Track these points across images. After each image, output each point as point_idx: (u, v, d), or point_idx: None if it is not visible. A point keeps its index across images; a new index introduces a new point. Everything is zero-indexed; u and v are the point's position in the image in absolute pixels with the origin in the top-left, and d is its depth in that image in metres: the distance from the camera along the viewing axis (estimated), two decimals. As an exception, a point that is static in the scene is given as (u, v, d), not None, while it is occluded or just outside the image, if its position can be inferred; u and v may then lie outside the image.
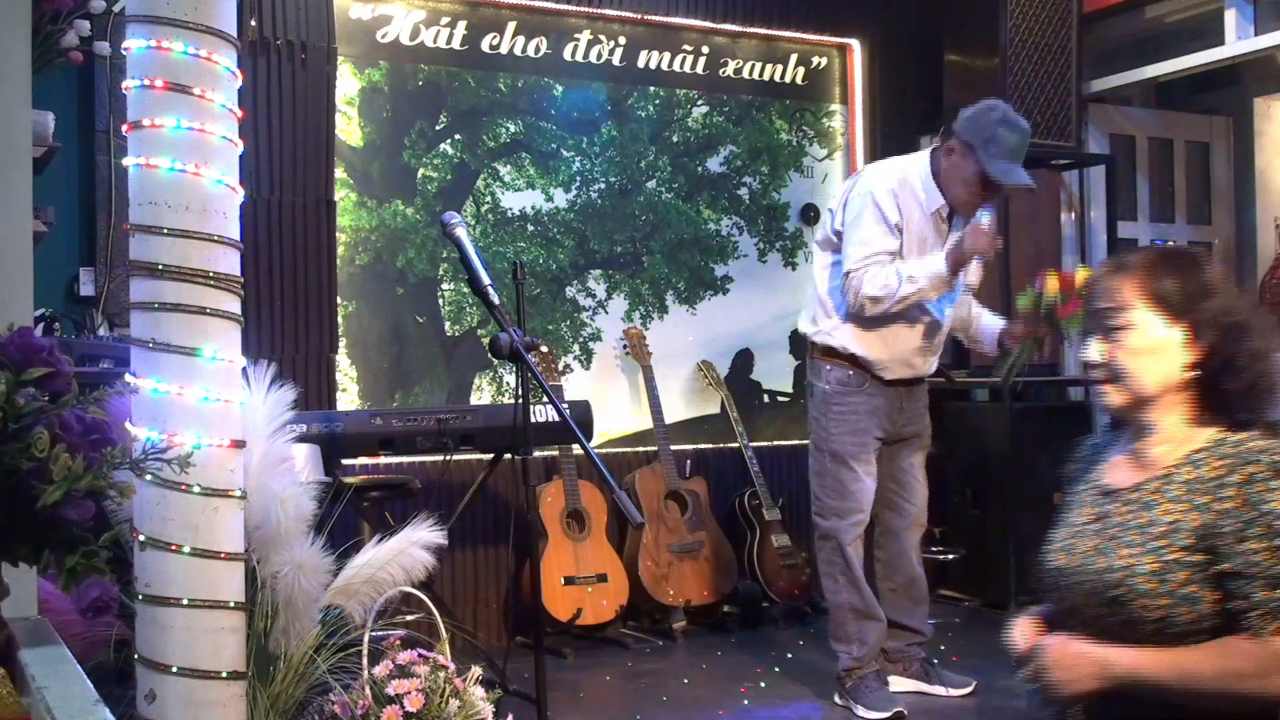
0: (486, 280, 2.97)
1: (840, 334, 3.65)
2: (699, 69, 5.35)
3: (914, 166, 3.62)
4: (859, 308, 3.53)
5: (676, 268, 5.28)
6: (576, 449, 4.54)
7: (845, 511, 3.63)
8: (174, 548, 2.00)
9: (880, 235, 3.51)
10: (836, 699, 3.65)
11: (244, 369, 2.19)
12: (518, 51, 4.97)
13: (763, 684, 3.92)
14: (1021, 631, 1.78)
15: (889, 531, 3.78)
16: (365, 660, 2.24)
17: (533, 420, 3.09)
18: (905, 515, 3.78)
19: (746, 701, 3.73)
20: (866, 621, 3.63)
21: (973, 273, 3.70)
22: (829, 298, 3.69)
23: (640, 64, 5.22)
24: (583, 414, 4.28)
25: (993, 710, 3.60)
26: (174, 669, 2.01)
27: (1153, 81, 5.63)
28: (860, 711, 3.54)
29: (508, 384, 4.87)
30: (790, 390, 5.53)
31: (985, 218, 3.50)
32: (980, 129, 3.46)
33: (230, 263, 2.11)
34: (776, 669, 4.11)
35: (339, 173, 4.61)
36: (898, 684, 3.71)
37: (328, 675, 2.26)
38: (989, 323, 3.81)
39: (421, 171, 4.82)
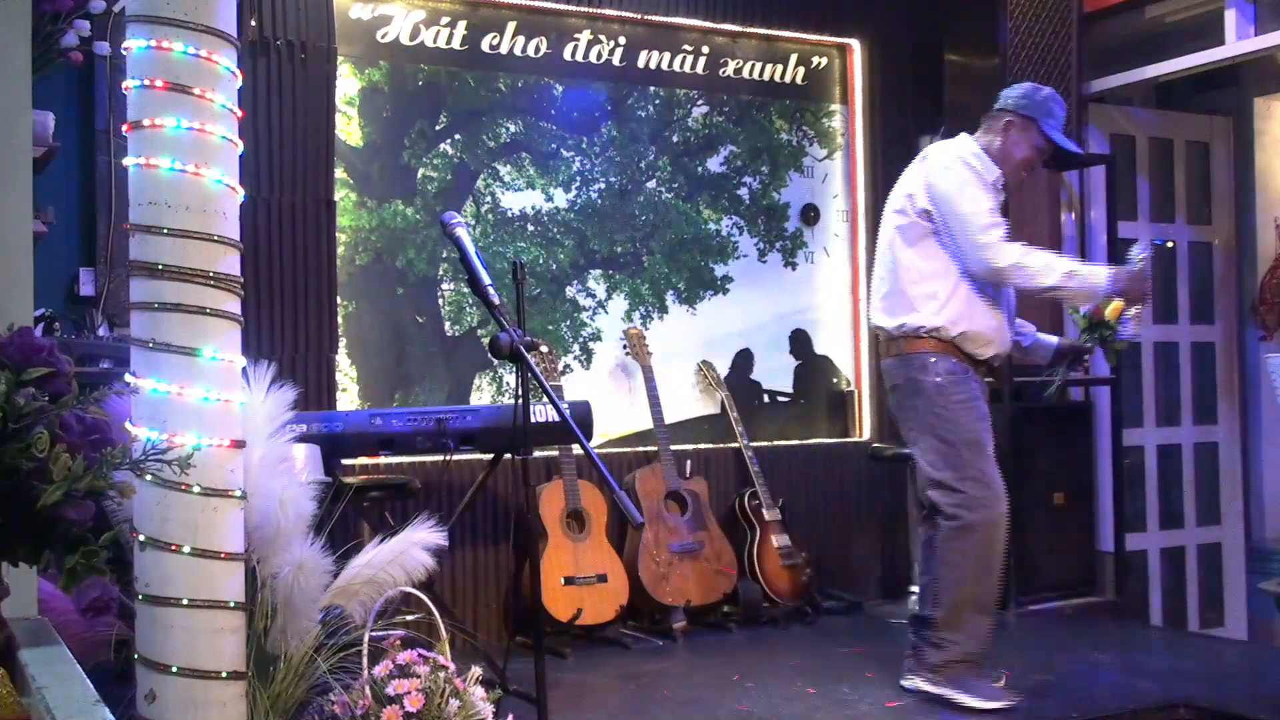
0: (486, 280, 2.97)
1: (948, 315, 3.58)
2: (699, 69, 5.35)
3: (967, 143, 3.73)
4: (989, 272, 3.50)
5: (676, 268, 5.28)
6: (576, 449, 4.54)
7: (991, 500, 3.55)
8: (174, 548, 2.00)
9: (986, 196, 3.55)
10: (927, 686, 3.58)
11: (244, 369, 2.20)
12: (518, 51, 4.97)
13: (763, 683, 3.92)
14: None
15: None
16: (365, 660, 2.25)
17: (533, 420, 3.08)
18: None
19: (747, 701, 3.72)
20: (983, 616, 3.60)
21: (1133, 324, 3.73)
22: (928, 283, 3.60)
23: (640, 64, 5.22)
24: (583, 414, 4.28)
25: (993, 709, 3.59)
26: (174, 669, 2.01)
27: (1153, 81, 5.63)
28: (971, 702, 3.50)
29: (508, 384, 4.87)
30: (790, 390, 5.53)
31: (1139, 255, 3.60)
32: (1037, 104, 3.67)
33: (230, 263, 2.11)
34: (777, 669, 4.10)
35: (339, 173, 4.61)
36: (911, 682, 3.71)
37: (328, 675, 2.26)
38: (1043, 336, 4.00)
39: (421, 171, 4.82)
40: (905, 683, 3.74)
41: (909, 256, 3.64)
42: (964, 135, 3.76)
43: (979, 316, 3.59)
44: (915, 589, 4.06)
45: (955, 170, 3.58)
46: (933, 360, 3.58)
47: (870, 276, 5.55)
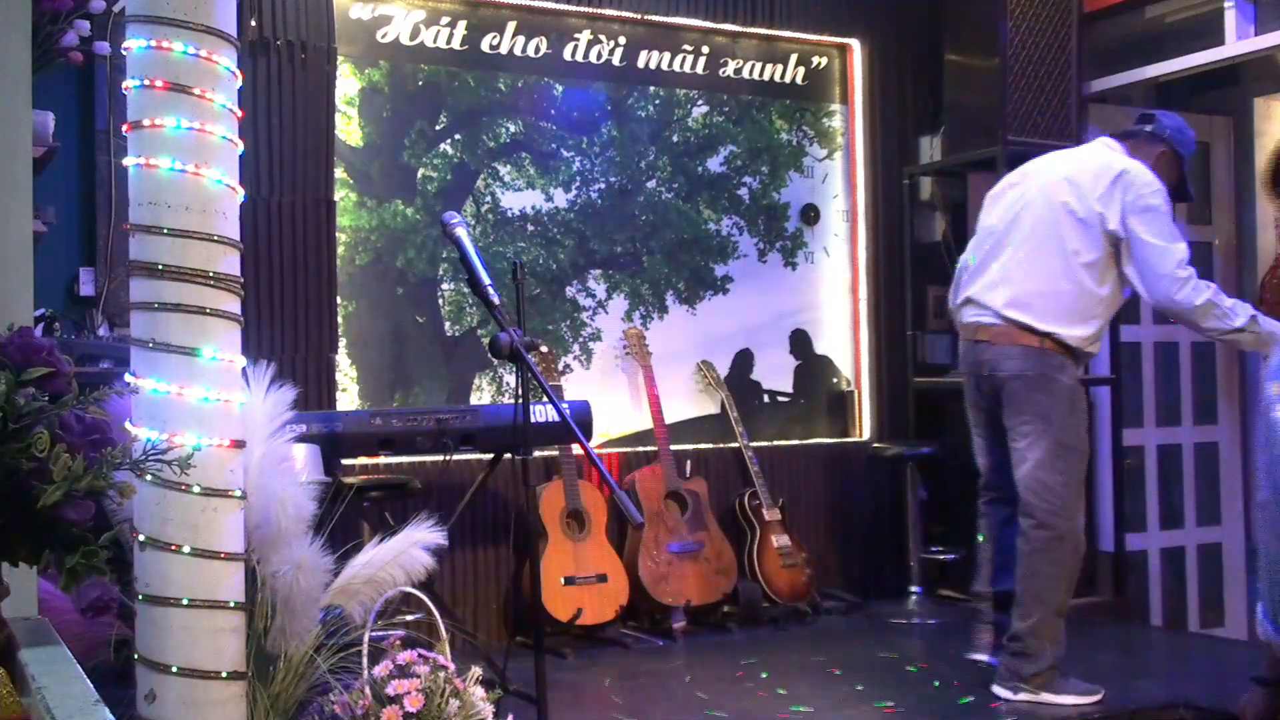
0: (487, 280, 2.97)
1: (1095, 340, 3.61)
2: (699, 69, 5.34)
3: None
4: (1182, 306, 3.44)
5: (676, 268, 5.28)
6: (576, 449, 4.54)
7: (1080, 509, 3.61)
8: (174, 548, 2.00)
9: (1177, 230, 3.53)
10: (1018, 696, 3.58)
11: (244, 369, 2.20)
12: (518, 51, 4.97)
13: (763, 683, 3.92)
14: None
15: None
16: (365, 660, 2.25)
17: (533, 420, 3.08)
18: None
19: (747, 701, 3.73)
20: (1063, 620, 3.64)
21: None
22: (1097, 307, 3.58)
23: (640, 64, 5.22)
24: (583, 414, 4.28)
25: (991, 711, 3.60)
26: (174, 669, 2.01)
27: (1153, 81, 5.62)
28: (1072, 700, 3.54)
29: (508, 384, 4.87)
30: (790, 390, 5.53)
31: None
32: (1188, 144, 3.67)
33: (230, 263, 2.11)
34: (777, 669, 4.10)
35: (339, 173, 4.61)
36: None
37: (328, 675, 2.26)
38: None
39: (421, 171, 4.82)
40: (974, 655, 3.88)
41: (1086, 275, 3.56)
42: (1111, 141, 3.68)
43: (1100, 342, 3.68)
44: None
45: (1158, 201, 3.50)
46: (1069, 365, 3.59)
47: (871, 275, 5.61)
